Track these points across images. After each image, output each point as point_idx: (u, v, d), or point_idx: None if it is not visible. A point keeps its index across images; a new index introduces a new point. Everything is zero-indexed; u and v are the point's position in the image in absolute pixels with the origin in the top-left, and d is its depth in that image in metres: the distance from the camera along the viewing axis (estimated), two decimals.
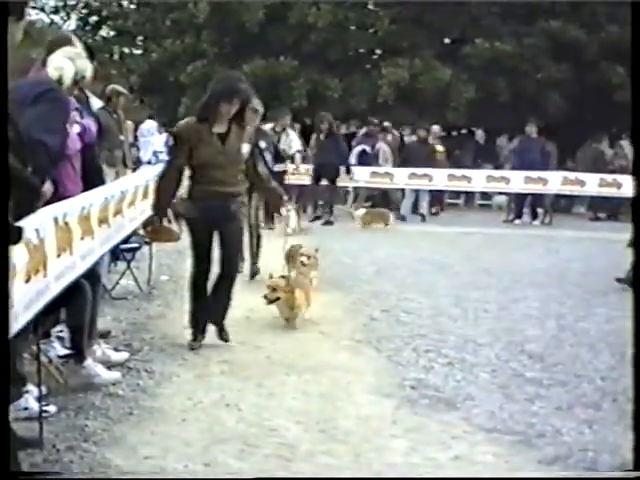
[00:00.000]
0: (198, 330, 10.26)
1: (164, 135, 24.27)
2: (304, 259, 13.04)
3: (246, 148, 11.40)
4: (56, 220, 6.78)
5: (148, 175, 12.56)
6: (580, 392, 9.04)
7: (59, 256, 6.79)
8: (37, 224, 6.20)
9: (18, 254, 5.65)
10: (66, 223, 7.10)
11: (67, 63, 8.14)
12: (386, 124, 29.23)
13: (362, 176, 26.63)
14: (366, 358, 9.44)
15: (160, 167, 15.99)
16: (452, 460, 7.09)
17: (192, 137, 9.82)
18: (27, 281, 5.90)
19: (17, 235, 5.55)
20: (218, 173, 9.88)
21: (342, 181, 26.67)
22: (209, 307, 10.41)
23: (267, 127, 18.35)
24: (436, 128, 29.48)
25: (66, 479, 4.13)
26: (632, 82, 5.12)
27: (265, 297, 11.35)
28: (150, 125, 24.70)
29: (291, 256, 13.25)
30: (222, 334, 10.38)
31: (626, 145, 29.15)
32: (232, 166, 10.04)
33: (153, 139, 23.42)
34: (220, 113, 9.77)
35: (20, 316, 5.76)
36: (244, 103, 10.01)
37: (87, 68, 8.42)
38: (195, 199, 10.03)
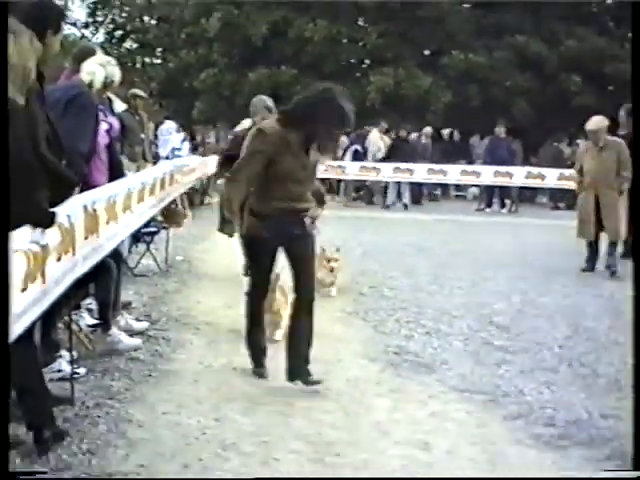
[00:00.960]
0: (257, 357, 8.18)
1: (181, 134, 24.27)
2: (333, 264, 11.44)
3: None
4: (85, 207, 6.76)
5: (165, 168, 12.55)
6: (540, 358, 9.05)
7: (87, 238, 6.77)
8: (69, 210, 6.18)
9: (51, 236, 5.63)
10: (94, 210, 7.08)
11: (99, 69, 8.21)
12: (383, 124, 29.26)
13: (353, 170, 26.70)
14: (355, 328, 9.45)
15: (178, 160, 16.06)
16: (429, 416, 7.10)
17: (280, 145, 7.53)
18: (58, 260, 5.87)
19: (51, 220, 5.53)
20: (297, 188, 7.69)
21: (335, 174, 26.91)
22: (294, 347, 7.93)
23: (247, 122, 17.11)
24: (428, 129, 29.56)
25: (66, 479, 4.08)
26: (632, 83, 4.97)
27: None
28: (169, 125, 24.60)
29: None
30: (308, 378, 7.76)
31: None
32: (310, 181, 7.96)
33: (171, 137, 23.32)
34: (317, 130, 7.55)
35: (52, 291, 5.74)
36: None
37: (116, 73, 8.53)
38: (265, 217, 7.66)
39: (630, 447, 6.56)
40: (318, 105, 7.52)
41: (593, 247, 14.54)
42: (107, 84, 8.33)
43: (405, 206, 27.18)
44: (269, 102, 11.60)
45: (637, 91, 4.68)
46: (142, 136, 13.63)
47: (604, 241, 14.58)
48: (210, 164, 19.01)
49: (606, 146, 14.25)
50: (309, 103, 7.64)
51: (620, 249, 14.78)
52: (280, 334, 8.96)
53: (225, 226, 11.65)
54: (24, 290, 5.00)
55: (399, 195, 27.83)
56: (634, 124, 4.57)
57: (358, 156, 27.89)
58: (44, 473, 4.25)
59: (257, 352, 8.20)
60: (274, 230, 7.62)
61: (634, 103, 4.88)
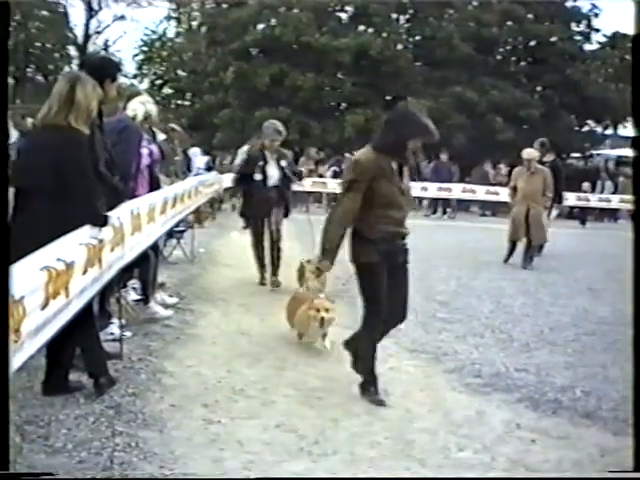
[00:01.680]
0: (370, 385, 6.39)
1: (205, 157, 24.29)
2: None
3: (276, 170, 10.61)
4: (132, 211, 6.77)
5: (192, 183, 12.56)
6: (471, 326, 9.06)
7: (133, 235, 6.78)
8: (119, 214, 6.19)
9: (106, 233, 5.64)
10: (138, 213, 7.09)
11: (140, 106, 8.26)
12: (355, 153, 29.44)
13: (332, 185, 26.69)
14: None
15: (201, 177, 15.99)
16: (388, 370, 7.07)
17: (376, 172, 6.17)
18: (112, 250, 5.89)
19: (105, 221, 5.55)
20: (398, 213, 6.31)
21: (319, 188, 27.19)
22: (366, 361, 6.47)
23: (246, 147, 16.61)
24: None
25: (66, 479, 4.11)
26: (632, 82, 4.89)
27: None
28: (195, 150, 24.62)
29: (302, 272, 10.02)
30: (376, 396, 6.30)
31: (503, 167, 29.38)
32: (408, 206, 6.53)
33: (197, 159, 23.32)
34: (407, 150, 6.28)
35: (105, 274, 5.75)
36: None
37: (153, 109, 8.54)
38: (375, 241, 6.20)
39: (539, 394, 6.63)
40: (403, 124, 6.23)
41: (514, 246, 14.59)
42: (147, 117, 8.36)
43: None
44: (279, 126, 10.91)
45: (637, 93, 4.57)
46: (176, 158, 13.58)
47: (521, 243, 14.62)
48: (225, 180, 18.97)
49: (536, 171, 14.36)
50: (395, 123, 6.30)
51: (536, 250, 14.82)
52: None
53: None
54: (85, 273, 5.02)
55: None
56: (634, 124, 4.34)
57: (336, 175, 28.11)
58: (44, 474, 4.22)
59: (370, 383, 6.36)
60: (384, 254, 6.21)
61: (634, 106, 4.68)
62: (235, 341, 7.88)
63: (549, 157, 15.90)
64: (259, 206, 10.78)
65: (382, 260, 6.20)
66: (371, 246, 6.22)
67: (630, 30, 44.32)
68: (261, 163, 10.77)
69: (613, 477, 4.49)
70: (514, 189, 14.73)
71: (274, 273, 10.92)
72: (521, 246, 14.56)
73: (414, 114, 6.30)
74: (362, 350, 6.44)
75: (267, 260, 11.02)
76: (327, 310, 7.64)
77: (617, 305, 10.93)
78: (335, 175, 28.03)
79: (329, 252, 6.35)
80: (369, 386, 6.30)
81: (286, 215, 11.08)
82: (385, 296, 6.22)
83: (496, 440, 5.55)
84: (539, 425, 5.88)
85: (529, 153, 14.68)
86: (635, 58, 4.79)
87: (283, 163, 11.00)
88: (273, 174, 10.81)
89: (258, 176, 10.71)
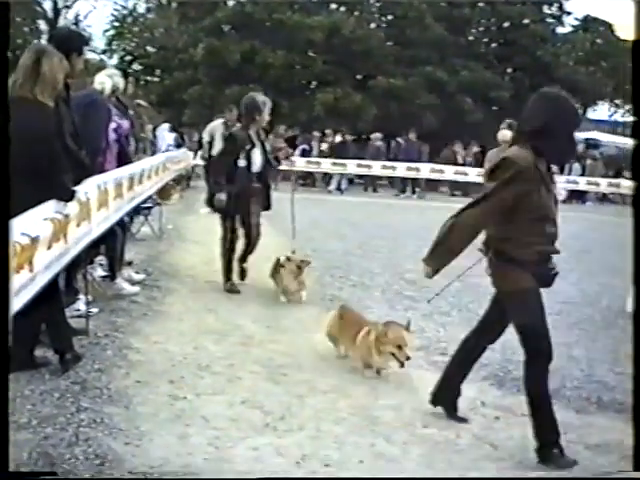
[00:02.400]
0: None
1: (173, 134, 24.19)
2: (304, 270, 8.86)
3: None
4: (99, 186, 6.72)
5: (160, 159, 12.50)
6: (438, 305, 9.06)
7: (99, 210, 6.73)
8: (86, 188, 6.15)
9: (72, 208, 5.60)
10: (105, 189, 7.04)
11: (107, 79, 8.21)
12: (327, 131, 29.40)
13: (300, 163, 26.62)
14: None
15: (169, 153, 15.90)
16: None
17: (534, 177, 4.88)
18: (78, 225, 5.84)
19: (71, 195, 5.51)
20: (552, 229, 5.04)
21: (286, 166, 27.03)
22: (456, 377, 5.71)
23: (219, 121, 16.20)
24: (378, 135, 29.67)
25: (66, 479, 4.10)
26: (633, 82, 4.77)
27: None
28: (164, 127, 24.54)
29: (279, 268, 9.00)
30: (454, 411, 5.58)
31: (473, 148, 29.50)
32: (556, 216, 5.11)
33: (166, 136, 23.26)
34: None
35: (72, 249, 5.71)
36: None
37: (120, 82, 8.54)
38: (527, 263, 4.95)
39: (504, 372, 6.68)
40: (565, 117, 5.06)
41: None
42: (114, 90, 8.31)
43: (341, 191, 27.23)
44: (268, 101, 9.26)
45: (638, 92, 4.52)
46: (143, 135, 13.52)
47: None
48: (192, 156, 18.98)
49: None
50: (557, 117, 4.98)
51: None
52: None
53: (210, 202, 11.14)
54: (49, 248, 4.97)
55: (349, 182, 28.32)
56: (633, 127, 4.09)
57: (305, 153, 28.07)
58: (44, 473, 4.20)
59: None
60: (538, 278, 5.06)
61: (634, 107, 4.50)
62: (202, 318, 7.87)
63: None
64: (240, 198, 9.09)
65: (536, 285, 5.08)
66: (522, 269, 5.07)
67: (602, 14, 44.67)
68: (248, 146, 9.11)
69: (613, 477, 4.49)
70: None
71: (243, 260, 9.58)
72: None
73: (567, 99, 5.23)
74: (538, 401, 5.07)
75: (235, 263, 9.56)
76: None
77: (582, 285, 11.04)
78: (304, 154, 27.99)
79: (442, 259, 5.54)
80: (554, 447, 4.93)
81: (267, 208, 9.46)
82: (546, 327, 5.22)
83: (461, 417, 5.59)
84: (503, 403, 5.94)
85: (505, 135, 14.57)
86: (635, 59, 4.81)
87: (267, 147, 9.58)
88: (257, 160, 9.21)
89: (242, 162, 9.06)
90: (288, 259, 8.81)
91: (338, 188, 27.34)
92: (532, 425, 4.96)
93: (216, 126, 16.01)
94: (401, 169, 28.01)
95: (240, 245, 9.40)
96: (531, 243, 4.99)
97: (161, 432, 4.89)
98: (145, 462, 4.46)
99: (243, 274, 9.62)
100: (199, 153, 16.62)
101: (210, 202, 9.41)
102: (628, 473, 4.30)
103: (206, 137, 16.21)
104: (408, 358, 6.21)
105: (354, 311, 7.14)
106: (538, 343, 5.14)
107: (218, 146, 15.71)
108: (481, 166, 16.55)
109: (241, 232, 9.36)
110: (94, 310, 7.42)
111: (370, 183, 29.31)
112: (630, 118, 54.42)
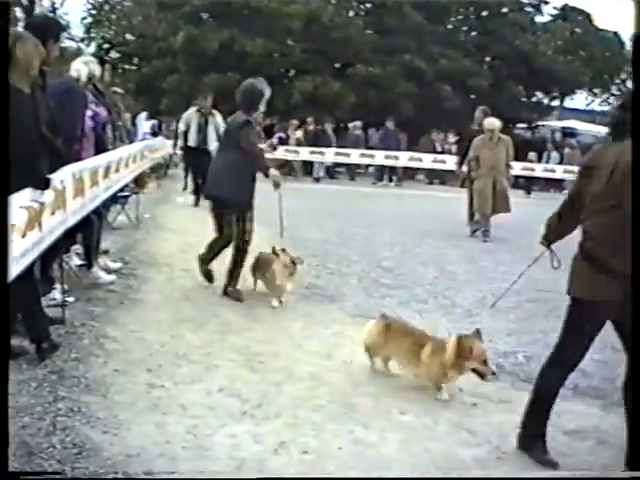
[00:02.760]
0: None
1: (151, 122, 24.12)
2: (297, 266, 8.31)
3: None
4: (74, 175, 6.69)
5: (137, 147, 12.44)
6: (415, 293, 9.13)
7: (75, 198, 6.70)
8: (62, 176, 6.12)
9: (48, 196, 5.57)
10: (81, 177, 7.01)
11: (82, 66, 8.13)
12: (309, 119, 29.37)
13: (279, 152, 26.59)
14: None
15: (147, 142, 15.85)
16: (331, 335, 7.16)
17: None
18: (52, 214, 5.82)
19: (47, 183, 5.48)
20: None
21: (268, 153, 27.01)
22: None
23: (193, 109, 16.18)
24: (358, 123, 29.66)
25: (66, 479, 4.10)
26: (633, 82, 4.73)
27: None
28: (142, 115, 24.48)
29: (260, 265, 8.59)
30: None
31: (451, 137, 29.56)
32: None
33: (143, 124, 23.21)
34: None
35: (47, 238, 5.68)
36: None
37: (96, 69, 8.45)
38: (617, 275, 4.43)
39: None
40: None
41: (487, 220, 14.41)
42: (90, 78, 8.24)
43: (317, 179, 27.20)
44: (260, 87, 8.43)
45: (638, 91, 4.49)
46: (120, 123, 13.45)
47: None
48: (170, 145, 18.86)
49: (499, 141, 14.32)
50: None
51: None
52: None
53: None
54: (24, 236, 4.95)
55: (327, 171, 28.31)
56: (633, 126, 3.88)
57: (282, 141, 28.04)
58: (44, 473, 4.18)
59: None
60: (622, 293, 4.46)
61: (634, 105, 4.41)
62: (179, 306, 7.84)
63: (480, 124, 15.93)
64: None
65: (618, 300, 4.57)
66: (612, 279, 4.57)
67: (580, 4, 44.75)
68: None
69: (613, 477, 4.52)
70: (477, 160, 14.45)
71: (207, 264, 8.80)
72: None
73: None
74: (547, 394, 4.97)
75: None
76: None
77: (559, 273, 11.07)
78: (281, 142, 27.97)
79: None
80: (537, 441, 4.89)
81: None
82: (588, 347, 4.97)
83: (438, 404, 5.62)
84: (481, 389, 5.96)
85: (491, 123, 14.57)
86: (635, 57, 4.82)
87: None
88: None
89: None
90: (283, 250, 8.36)
91: (316, 177, 27.30)
92: (527, 412, 4.91)
93: (191, 114, 15.97)
94: (379, 157, 28.01)
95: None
96: (628, 253, 4.39)
97: (139, 421, 4.89)
98: (123, 451, 4.46)
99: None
100: (179, 143, 16.51)
101: (196, 191, 9.23)
102: (628, 473, 4.29)
103: (182, 126, 16.15)
104: (494, 373, 5.75)
105: (401, 321, 6.55)
106: (573, 354, 5.09)
107: (194, 135, 15.68)
108: (459, 154, 16.52)
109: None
110: (70, 299, 7.39)
111: (349, 171, 29.31)
112: (607, 107, 54.80)
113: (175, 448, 4.55)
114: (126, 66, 39.27)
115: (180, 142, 16.48)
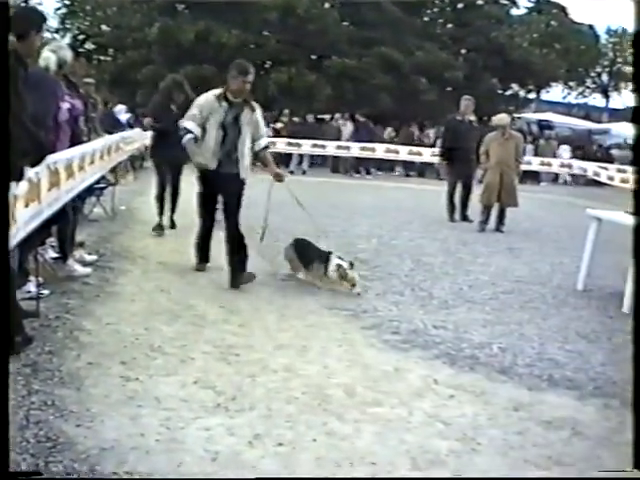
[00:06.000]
0: None
1: (127, 114, 24.02)
2: None
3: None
4: (49, 166, 6.63)
5: (113, 139, 12.38)
6: (391, 284, 9.13)
7: (50, 190, 6.65)
8: (36, 168, 6.07)
9: (21, 187, 5.52)
10: (56, 169, 6.96)
11: (51, 55, 7.92)
12: (286, 111, 29.37)
13: None
14: (253, 261, 9.29)
15: (123, 133, 15.71)
16: (307, 327, 7.14)
17: None
18: (26, 206, 5.77)
19: (20, 174, 5.43)
20: None
21: None
22: None
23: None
24: (337, 116, 29.67)
25: (66, 479, 4.05)
26: (633, 81, 4.73)
27: None
28: (120, 108, 24.37)
29: None
30: None
31: (431, 132, 29.68)
32: None
33: (121, 117, 23.11)
34: None
35: (21, 230, 5.64)
36: None
37: (67, 55, 8.13)
38: None
39: (456, 350, 6.73)
40: None
41: (489, 211, 14.54)
42: (61, 65, 8.03)
43: (291, 172, 27.21)
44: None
45: (638, 90, 4.48)
46: (94, 115, 13.36)
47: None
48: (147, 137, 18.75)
49: (510, 137, 14.47)
50: None
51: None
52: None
53: None
54: None
55: (300, 162, 28.26)
56: (633, 116, 3.93)
57: None
58: (43, 473, 4.15)
59: None
60: None
61: (636, 102, 4.42)
62: (154, 298, 7.80)
63: (472, 117, 16.01)
64: None
65: None
66: None
67: None
68: None
69: (613, 477, 4.53)
70: (486, 154, 14.61)
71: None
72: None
73: None
74: None
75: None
76: None
77: (535, 265, 11.16)
78: None
79: None
80: None
81: None
82: None
83: (413, 395, 5.62)
84: (456, 381, 5.97)
85: (501, 119, 14.75)
86: (635, 56, 4.83)
87: None
88: None
89: None
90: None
91: (291, 170, 27.27)
92: None
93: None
94: (355, 149, 28.02)
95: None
96: None
97: (113, 414, 4.85)
98: (97, 444, 4.43)
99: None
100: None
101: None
102: (628, 473, 4.30)
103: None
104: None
105: None
106: None
107: None
108: (442, 147, 16.58)
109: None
110: (45, 292, 7.34)
111: (331, 163, 29.32)
112: (583, 100, 55.10)
113: (149, 441, 4.53)
114: (101, 57, 39.11)
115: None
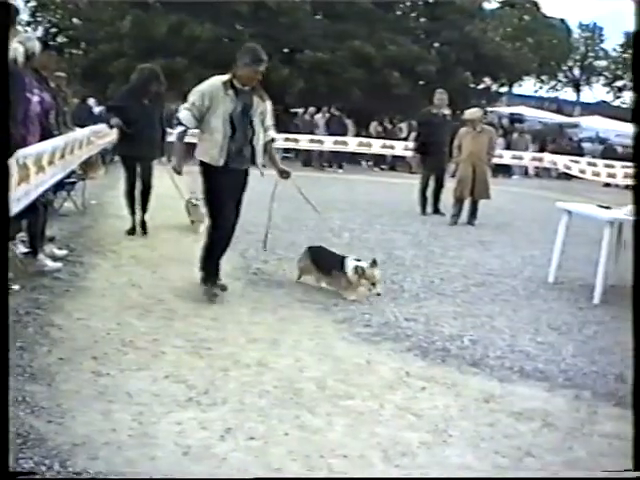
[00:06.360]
0: None
1: (99, 107, 23.89)
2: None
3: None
4: (17, 161, 6.59)
5: (84, 133, 12.31)
6: None
7: (20, 185, 6.60)
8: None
9: None
10: (25, 163, 6.91)
11: (18, 46, 7.75)
12: None
13: None
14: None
15: (94, 127, 15.61)
16: (278, 320, 7.14)
17: None
18: None
19: None
20: None
21: None
22: None
23: None
24: (312, 109, 29.67)
25: (65, 479, 4.02)
26: (634, 81, 4.74)
27: None
28: (91, 101, 24.24)
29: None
30: None
31: (403, 127, 29.75)
32: None
33: (93, 110, 23.04)
34: None
35: None
36: None
37: (35, 47, 7.90)
38: None
39: (428, 343, 6.76)
40: None
41: (461, 204, 14.63)
42: (29, 57, 7.85)
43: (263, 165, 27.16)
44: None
45: (638, 89, 4.49)
46: (65, 109, 13.28)
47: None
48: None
49: (482, 131, 14.58)
50: None
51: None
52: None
53: None
54: None
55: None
56: (633, 114, 3.94)
57: None
58: (43, 473, 4.12)
59: None
60: None
61: (636, 100, 4.42)
62: (125, 293, 7.77)
63: (445, 110, 16.09)
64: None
65: None
66: None
67: None
68: None
69: (613, 477, 4.55)
70: (458, 148, 14.71)
71: None
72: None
73: None
74: None
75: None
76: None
77: (505, 257, 11.22)
78: None
79: None
80: None
81: None
82: None
83: (385, 388, 5.64)
84: (427, 373, 6.00)
85: (472, 113, 14.89)
86: (635, 56, 4.85)
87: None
88: None
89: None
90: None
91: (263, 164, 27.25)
92: None
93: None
94: (329, 142, 28.04)
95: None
96: None
97: (84, 409, 4.84)
98: (68, 440, 4.41)
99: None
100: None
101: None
102: (628, 473, 4.33)
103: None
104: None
105: None
106: None
107: None
108: (416, 140, 16.67)
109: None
110: (15, 287, 7.30)
111: (303, 157, 29.29)
112: (555, 94, 55.40)
113: (121, 436, 4.52)
114: (73, 50, 38.85)
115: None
